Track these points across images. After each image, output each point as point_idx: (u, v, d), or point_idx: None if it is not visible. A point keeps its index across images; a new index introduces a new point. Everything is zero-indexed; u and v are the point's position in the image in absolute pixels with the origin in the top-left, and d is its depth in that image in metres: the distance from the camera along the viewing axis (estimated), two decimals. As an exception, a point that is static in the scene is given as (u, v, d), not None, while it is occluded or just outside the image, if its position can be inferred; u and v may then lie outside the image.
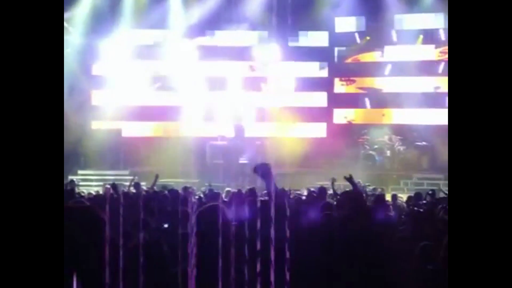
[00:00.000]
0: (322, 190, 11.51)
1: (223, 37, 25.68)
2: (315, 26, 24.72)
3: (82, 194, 13.06)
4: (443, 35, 24.48)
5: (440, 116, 23.59)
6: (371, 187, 17.12)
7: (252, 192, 10.22)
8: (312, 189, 13.36)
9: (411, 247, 6.13)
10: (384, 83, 25.18)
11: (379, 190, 15.58)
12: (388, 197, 12.95)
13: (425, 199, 11.92)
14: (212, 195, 10.60)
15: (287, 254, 4.39)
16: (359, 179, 16.97)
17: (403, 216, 9.73)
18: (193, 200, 8.15)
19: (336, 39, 25.13)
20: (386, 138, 23.49)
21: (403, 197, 13.99)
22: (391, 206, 11.29)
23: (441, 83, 24.59)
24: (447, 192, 12.21)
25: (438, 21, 24.19)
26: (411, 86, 24.72)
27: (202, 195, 11.70)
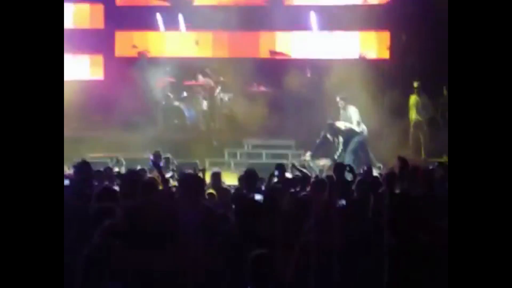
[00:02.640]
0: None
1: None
2: None
3: None
4: None
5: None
6: (176, 162, 13.77)
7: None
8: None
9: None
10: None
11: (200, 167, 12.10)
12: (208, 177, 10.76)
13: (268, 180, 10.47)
14: None
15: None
16: (160, 148, 13.64)
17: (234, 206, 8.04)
18: None
19: None
20: (202, 80, 18.25)
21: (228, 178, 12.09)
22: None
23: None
24: (303, 169, 11.27)
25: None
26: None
27: None
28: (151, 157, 12.72)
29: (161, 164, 12.15)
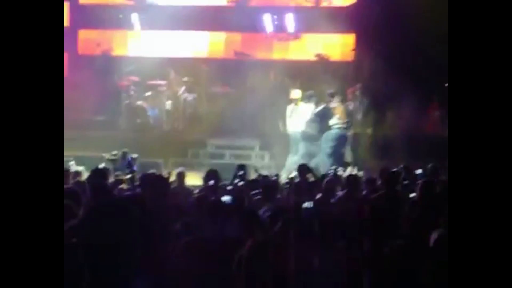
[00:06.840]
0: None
1: None
2: None
3: None
4: None
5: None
6: (136, 160, 12.58)
7: None
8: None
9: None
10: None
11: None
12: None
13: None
14: None
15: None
16: (118, 148, 13.09)
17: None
18: None
19: None
20: (170, 78, 17.45)
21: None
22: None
23: None
24: (262, 172, 11.54)
25: None
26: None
27: None
28: (128, 157, 12.38)
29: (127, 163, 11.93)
